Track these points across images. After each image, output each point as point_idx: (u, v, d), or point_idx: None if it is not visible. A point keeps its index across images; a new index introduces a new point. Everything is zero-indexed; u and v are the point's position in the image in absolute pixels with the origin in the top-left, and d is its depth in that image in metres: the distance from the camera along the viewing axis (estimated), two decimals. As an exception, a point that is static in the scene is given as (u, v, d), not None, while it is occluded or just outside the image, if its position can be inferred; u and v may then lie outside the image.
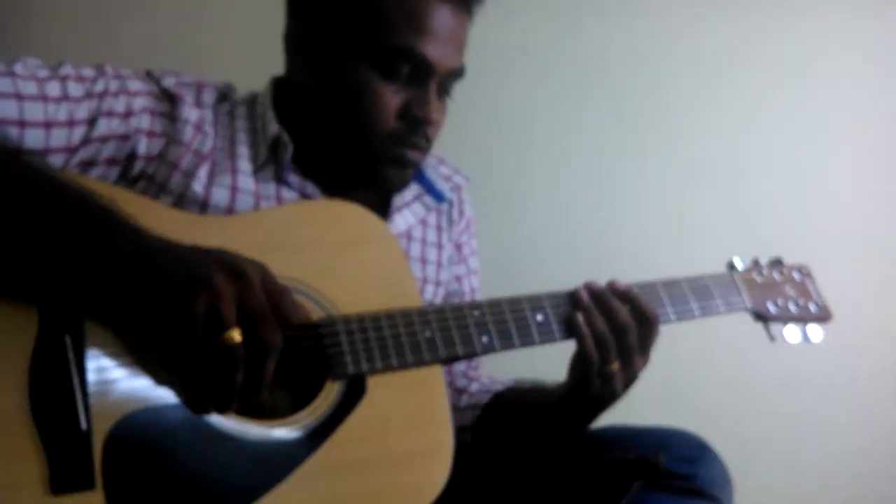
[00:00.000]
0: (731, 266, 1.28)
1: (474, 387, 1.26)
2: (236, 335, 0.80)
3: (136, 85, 1.03)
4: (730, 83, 1.93)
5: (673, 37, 1.89)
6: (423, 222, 1.24)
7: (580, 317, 1.06)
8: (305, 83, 1.11)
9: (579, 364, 1.07)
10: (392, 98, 1.06)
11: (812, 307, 1.31)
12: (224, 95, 1.12)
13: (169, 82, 1.06)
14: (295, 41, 1.12)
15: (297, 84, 1.12)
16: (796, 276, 1.33)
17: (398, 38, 1.04)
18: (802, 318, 1.29)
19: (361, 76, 1.06)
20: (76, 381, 0.79)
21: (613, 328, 1.05)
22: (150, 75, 1.07)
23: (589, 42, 1.85)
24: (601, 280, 1.10)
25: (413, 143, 1.09)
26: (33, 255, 0.79)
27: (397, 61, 1.05)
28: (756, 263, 1.31)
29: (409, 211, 1.20)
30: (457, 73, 1.11)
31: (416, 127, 1.08)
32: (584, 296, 1.08)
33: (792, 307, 1.29)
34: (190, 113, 1.05)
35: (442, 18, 1.06)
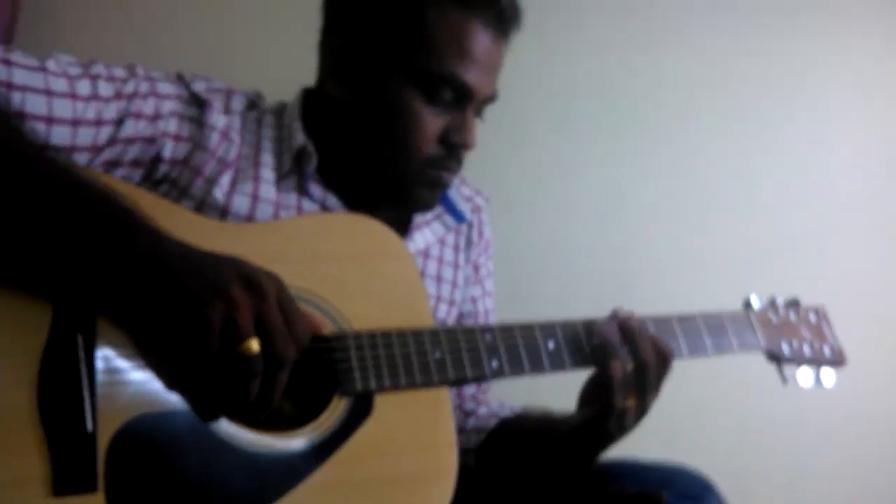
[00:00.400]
0: (748, 304, 1.27)
1: (482, 410, 1.26)
2: (255, 346, 0.79)
3: (166, 88, 1.03)
4: (753, 110, 1.93)
5: (696, 63, 1.89)
6: (442, 241, 1.24)
7: (617, 366, 1.04)
8: (339, 97, 1.11)
9: (598, 400, 1.05)
10: (433, 121, 1.07)
11: (826, 350, 1.29)
12: (253, 103, 1.13)
13: (199, 87, 1.07)
14: (335, 57, 1.12)
15: (329, 97, 1.12)
16: (812, 317, 1.32)
17: (443, 64, 1.05)
18: (816, 361, 1.28)
19: (404, 98, 1.06)
20: (85, 381, 0.79)
21: (637, 368, 1.05)
22: (180, 78, 1.07)
23: (610, 65, 1.86)
24: (614, 303, 1.10)
25: (447, 165, 1.10)
26: (51, 250, 0.79)
27: (441, 87, 1.06)
28: (772, 303, 1.30)
29: (428, 229, 1.20)
30: (491, 99, 1.12)
31: (454, 152, 1.09)
32: (616, 338, 1.05)
33: (806, 349, 1.27)
34: (217, 119, 1.06)
35: (483, 45, 1.07)
